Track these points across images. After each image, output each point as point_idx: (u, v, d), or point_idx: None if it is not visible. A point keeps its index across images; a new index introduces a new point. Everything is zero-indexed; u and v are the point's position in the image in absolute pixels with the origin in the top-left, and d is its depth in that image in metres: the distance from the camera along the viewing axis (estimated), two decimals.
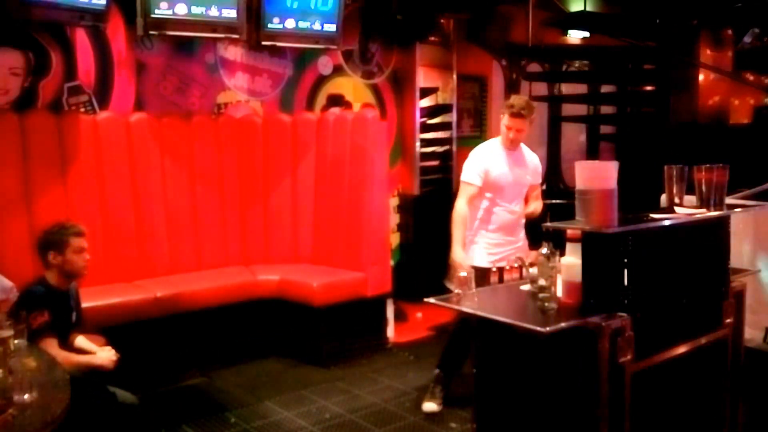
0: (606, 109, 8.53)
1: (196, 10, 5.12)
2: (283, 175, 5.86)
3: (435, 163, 7.46)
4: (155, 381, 4.60)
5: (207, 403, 4.57)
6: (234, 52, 5.89)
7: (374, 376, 5.03)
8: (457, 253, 4.15)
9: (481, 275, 3.41)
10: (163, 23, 5.03)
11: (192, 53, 5.66)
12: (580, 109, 8.57)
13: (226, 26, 5.31)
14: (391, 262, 5.86)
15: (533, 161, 4.48)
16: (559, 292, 2.80)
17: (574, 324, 2.62)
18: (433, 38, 7.11)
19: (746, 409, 3.55)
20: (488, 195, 4.32)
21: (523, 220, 4.44)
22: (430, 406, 4.37)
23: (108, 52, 5.24)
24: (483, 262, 4.19)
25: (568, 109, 8.35)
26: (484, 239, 4.35)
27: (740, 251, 3.81)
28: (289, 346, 5.39)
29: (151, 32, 5.07)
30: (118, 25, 5.22)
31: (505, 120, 4.27)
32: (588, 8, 7.62)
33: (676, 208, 3.13)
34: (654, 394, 2.87)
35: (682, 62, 6.91)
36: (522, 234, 4.46)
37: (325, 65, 6.47)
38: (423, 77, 7.13)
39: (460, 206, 4.25)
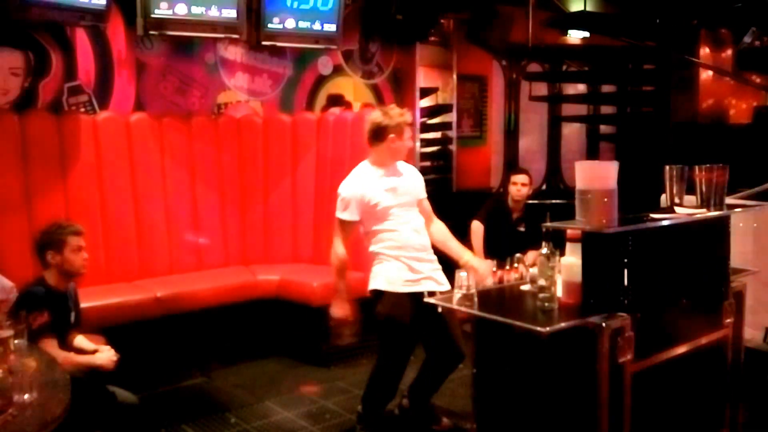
0: (606, 109, 8.53)
1: (196, 10, 5.12)
2: (283, 175, 5.85)
3: (435, 163, 7.45)
4: (155, 381, 4.60)
5: (207, 403, 4.56)
6: (234, 52, 5.89)
7: None
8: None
9: None
10: (163, 23, 5.03)
11: (192, 53, 5.66)
12: (580, 109, 8.57)
13: (226, 26, 5.31)
14: None
15: None
16: (559, 292, 2.80)
17: (574, 324, 2.62)
18: (433, 38, 7.10)
19: (746, 409, 3.55)
20: None
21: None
22: None
23: (108, 52, 5.23)
24: None
25: (568, 109, 8.35)
26: None
27: (740, 251, 3.80)
28: (289, 346, 5.39)
29: (151, 32, 5.06)
30: (118, 25, 5.22)
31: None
32: (588, 8, 7.62)
33: (676, 208, 3.13)
34: (654, 394, 2.86)
35: (682, 62, 6.90)
36: None
37: (325, 65, 6.46)
38: (423, 77, 7.12)
39: None
